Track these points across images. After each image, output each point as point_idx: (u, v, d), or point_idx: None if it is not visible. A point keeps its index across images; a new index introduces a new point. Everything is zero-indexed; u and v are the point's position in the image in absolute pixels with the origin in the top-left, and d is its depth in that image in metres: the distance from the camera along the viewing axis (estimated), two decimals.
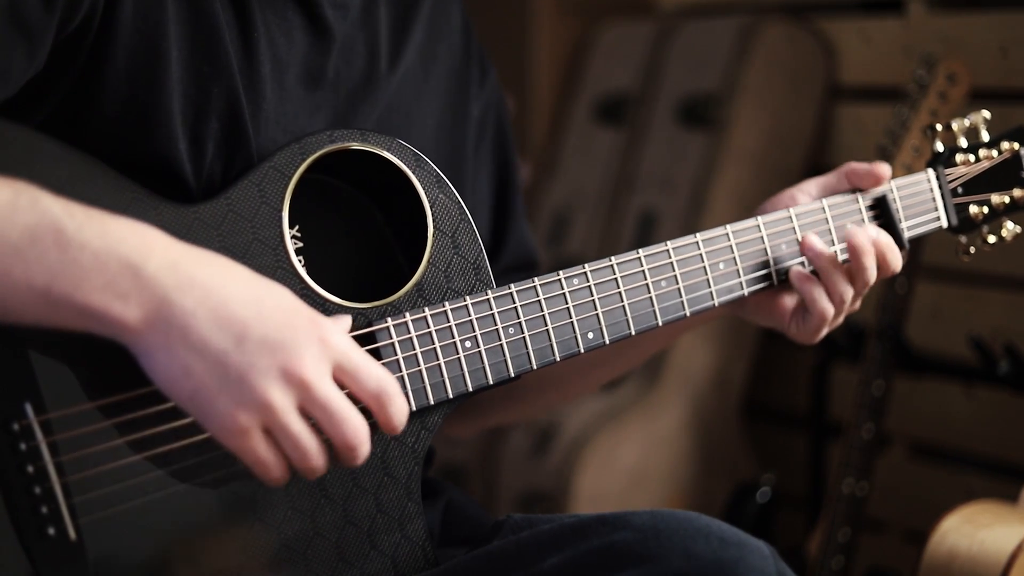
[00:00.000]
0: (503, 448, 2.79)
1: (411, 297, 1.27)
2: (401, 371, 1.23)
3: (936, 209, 1.47)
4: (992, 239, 1.49)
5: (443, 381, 1.25)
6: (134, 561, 1.16)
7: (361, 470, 1.24)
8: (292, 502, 1.22)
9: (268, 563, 1.21)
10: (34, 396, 1.11)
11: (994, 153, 1.49)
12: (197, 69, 1.23)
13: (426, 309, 1.25)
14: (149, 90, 1.20)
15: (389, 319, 1.24)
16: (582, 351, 1.30)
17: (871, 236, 1.38)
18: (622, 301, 1.32)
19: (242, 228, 1.22)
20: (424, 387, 1.24)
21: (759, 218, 1.40)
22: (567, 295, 1.30)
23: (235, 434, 1.07)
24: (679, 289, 1.35)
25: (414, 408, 1.24)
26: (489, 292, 1.27)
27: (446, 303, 1.26)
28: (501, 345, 1.27)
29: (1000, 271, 2.47)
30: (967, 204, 1.48)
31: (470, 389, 1.26)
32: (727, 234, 1.38)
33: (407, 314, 1.24)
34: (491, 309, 1.27)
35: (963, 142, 1.49)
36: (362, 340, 1.22)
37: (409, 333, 1.24)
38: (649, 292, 1.34)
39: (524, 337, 1.28)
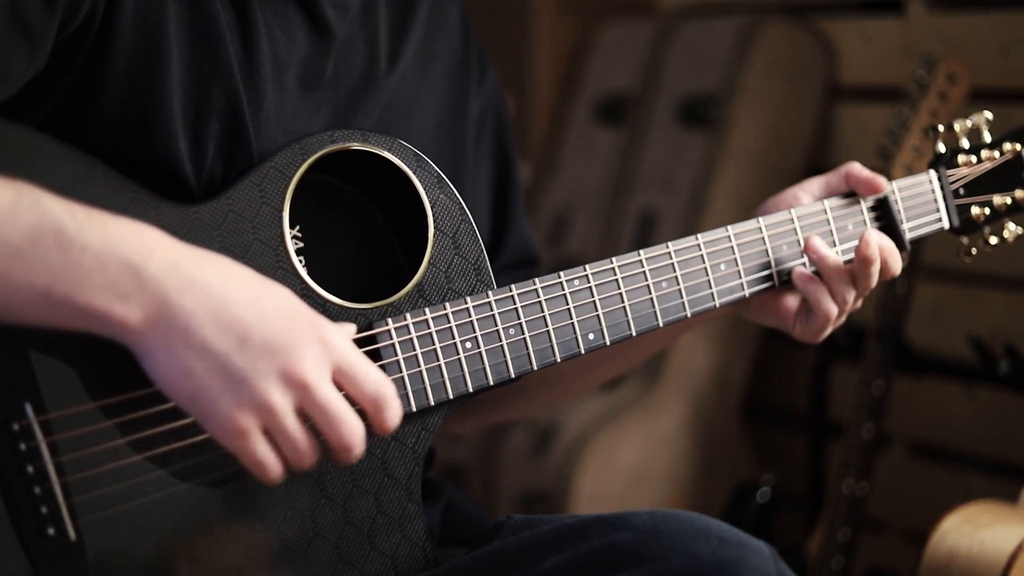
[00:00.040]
0: (503, 448, 2.79)
1: (412, 298, 1.27)
2: (401, 372, 1.23)
3: (938, 210, 1.47)
4: (994, 240, 1.49)
5: (443, 382, 1.24)
6: (134, 561, 1.16)
7: (361, 471, 1.24)
8: (292, 503, 1.22)
9: (268, 563, 1.21)
10: (34, 396, 1.11)
11: (996, 154, 1.49)
12: (198, 69, 1.23)
13: (427, 310, 1.25)
14: (149, 90, 1.20)
15: (390, 320, 1.24)
16: (583, 352, 1.30)
17: (880, 244, 1.38)
18: (623, 302, 1.32)
19: (243, 228, 1.22)
20: (424, 388, 1.24)
21: (760, 219, 1.39)
22: (568, 296, 1.30)
23: (235, 435, 1.07)
24: (680, 290, 1.35)
25: (414, 409, 1.24)
26: (490, 293, 1.27)
27: (447, 304, 1.26)
28: (502, 346, 1.27)
29: (1000, 271, 2.47)
30: (969, 205, 1.48)
31: (470, 390, 1.26)
32: (728, 235, 1.38)
33: (408, 315, 1.24)
34: (492, 310, 1.27)
35: (965, 143, 1.49)
36: (362, 341, 1.22)
37: (410, 334, 1.24)
38: (650, 293, 1.33)
39: (525, 338, 1.28)
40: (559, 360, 1.29)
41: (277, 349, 1.08)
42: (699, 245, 1.36)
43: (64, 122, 1.19)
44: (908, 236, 1.45)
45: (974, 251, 1.50)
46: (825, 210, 1.42)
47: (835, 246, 1.42)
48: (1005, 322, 2.46)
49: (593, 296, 1.31)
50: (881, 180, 1.42)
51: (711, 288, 1.37)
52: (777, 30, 2.81)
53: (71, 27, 1.16)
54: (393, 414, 1.14)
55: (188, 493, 1.18)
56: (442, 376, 1.24)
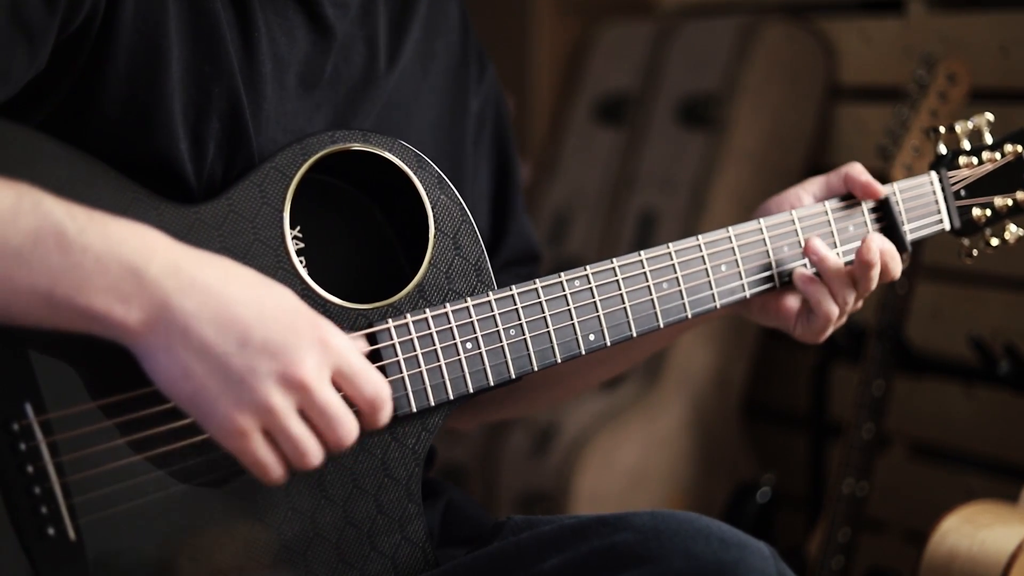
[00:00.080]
0: (503, 448, 2.79)
1: (412, 298, 1.27)
2: (402, 372, 1.23)
3: (939, 212, 1.47)
4: (995, 242, 1.49)
5: (444, 382, 1.24)
6: (133, 561, 1.16)
7: (361, 471, 1.24)
8: (292, 503, 1.21)
9: (268, 564, 1.21)
10: (34, 396, 1.11)
11: (997, 156, 1.49)
12: (198, 69, 1.23)
13: (427, 310, 1.25)
14: (150, 90, 1.20)
15: (390, 320, 1.24)
16: (583, 352, 1.30)
17: (881, 248, 1.38)
18: (623, 303, 1.32)
19: (243, 228, 1.22)
20: (425, 388, 1.24)
21: (761, 220, 1.39)
22: (568, 296, 1.30)
23: (235, 436, 1.07)
24: (681, 291, 1.35)
25: (414, 410, 1.24)
26: (490, 293, 1.27)
27: (447, 304, 1.26)
28: (502, 346, 1.27)
29: (1000, 271, 2.47)
30: (970, 207, 1.48)
31: (471, 390, 1.26)
32: (729, 236, 1.38)
33: (408, 315, 1.24)
34: (492, 310, 1.27)
35: (966, 144, 1.49)
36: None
37: (410, 334, 1.24)
38: (651, 294, 1.33)
39: (525, 338, 1.28)
40: (560, 361, 1.29)
41: (277, 350, 1.08)
42: (700, 246, 1.36)
43: (64, 122, 1.19)
44: (909, 237, 1.45)
45: (975, 253, 1.50)
46: (826, 211, 1.42)
47: (836, 247, 1.42)
48: (1005, 322, 2.46)
49: (594, 297, 1.31)
50: (877, 187, 1.42)
51: (712, 289, 1.37)
52: (777, 30, 2.81)
53: (71, 27, 1.16)
54: (386, 415, 1.15)
55: (188, 493, 1.17)
56: (442, 377, 1.24)
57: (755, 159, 2.80)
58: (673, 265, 1.35)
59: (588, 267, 1.31)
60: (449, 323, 1.25)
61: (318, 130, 1.30)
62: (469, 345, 1.26)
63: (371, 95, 1.38)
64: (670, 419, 2.74)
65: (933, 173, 1.47)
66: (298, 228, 1.27)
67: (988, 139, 1.50)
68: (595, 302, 1.31)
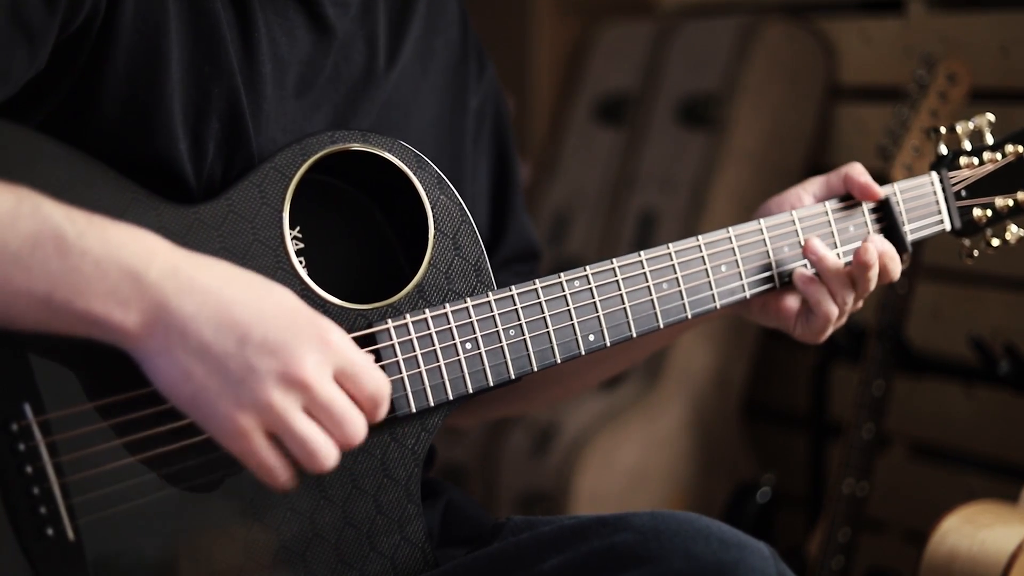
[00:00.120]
0: (503, 448, 2.79)
1: (412, 298, 1.27)
2: (401, 373, 1.23)
3: (939, 212, 1.47)
4: (996, 242, 1.49)
5: (443, 383, 1.24)
6: (133, 562, 1.16)
7: (361, 472, 1.24)
8: (291, 503, 1.21)
9: (267, 564, 1.21)
10: (33, 396, 1.11)
11: (998, 156, 1.48)
12: (198, 69, 1.23)
13: (427, 311, 1.25)
14: (150, 90, 1.20)
15: (389, 320, 1.24)
16: (583, 353, 1.30)
17: (879, 249, 1.37)
18: (623, 303, 1.32)
19: (243, 229, 1.22)
20: (424, 389, 1.24)
21: (761, 220, 1.39)
22: (568, 297, 1.30)
23: (236, 436, 1.07)
24: (681, 291, 1.35)
25: (414, 410, 1.24)
26: (490, 294, 1.27)
27: (447, 304, 1.26)
28: (502, 347, 1.27)
29: (1000, 272, 2.47)
30: (970, 207, 1.48)
31: (470, 391, 1.25)
32: (729, 236, 1.38)
33: (407, 315, 1.24)
34: (492, 311, 1.27)
35: (967, 145, 1.48)
36: (362, 341, 1.22)
37: (409, 335, 1.24)
38: (651, 294, 1.33)
39: (525, 339, 1.28)
40: (559, 361, 1.29)
41: (277, 348, 1.07)
42: (700, 246, 1.36)
43: (64, 122, 1.19)
44: (910, 238, 1.45)
45: (976, 253, 1.50)
46: (826, 211, 1.42)
47: (836, 248, 1.42)
48: (1005, 322, 2.46)
49: (593, 297, 1.31)
50: (876, 189, 1.42)
51: (712, 289, 1.36)
52: (777, 30, 2.81)
53: (72, 27, 1.16)
54: (384, 411, 1.14)
55: (187, 494, 1.17)
56: (442, 377, 1.24)
57: (755, 159, 2.80)
58: (673, 265, 1.34)
59: (588, 267, 1.31)
60: (448, 323, 1.25)
61: (318, 130, 1.30)
62: (468, 345, 1.25)
63: (371, 94, 1.38)
64: (670, 419, 2.74)
65: (934, 173, 1.47)
66: (297, 228, 1.27)
67: (989, 139, 1.50)
68: (595, 302, 1.31)
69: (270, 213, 1.23)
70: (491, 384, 1.26)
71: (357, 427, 1.11)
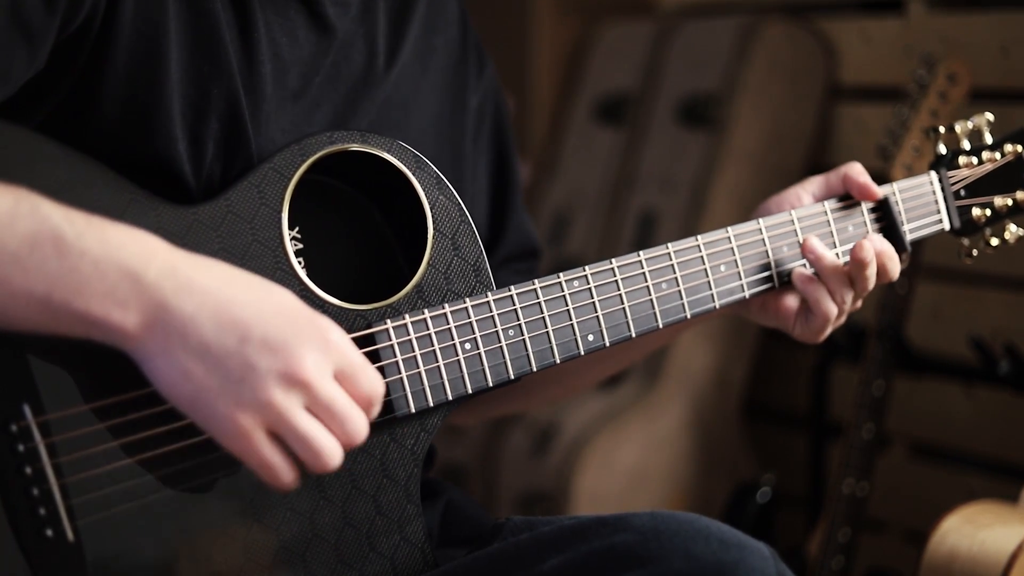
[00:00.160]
0: (503, 448, 2.79)
1: (411, 299, 1.26)
2: (400, 373, 1.23)
3: (938, 212, 1.47)
4: (995, 242, 1.49)
5: (442, 383, 1.24)
6: (132, 563, 1.16)
7: (360, 472, 1.24)
8: (290, 504, 1.21)
9: (267, 565, 1.21)
10: (32, 397, 1.11)
11: (997, 156, 1.48)
12: (197, 69, 1.23)
13: (425, 311, 1.25)
14: (149, 90, 1.20)
15: (388, 321, 1.23)
16: (582, 353, 1.30)
17: (876, 248, 1.37)
18: (622, 303, 1.32)
19: (241, 229, 1.21)
20: (423, 389, 1.24)
21: (760, 220, 1.39)
22: (567, 297, 1.30)
23: (237, 436, 1.07)
24: (680, 291, 1.35)
25: (413, 410, 1.23)
26: (489, 294, 1.27)
27: (445, 305, 1.25)
28: (501, 347, 1.27)
29: (1000, 271, 2.47)
30: (970, 207, 1.48)
31: (469, 391, 1.25)
32: (728, 236, 1.38)
33: (406, 316, 1.24)
34: (491, 311, 1.27)
35: (966, 144, 1.48)
36: (361, 342, 1.22)
37: (408, 335, 1.24)
38: (650, 294, 1.33)
39: (524, 339, 1.28)
40: (558, 361, 1.29)
41: (277, 347, 1.07)
42: (699, 246, 1.36)
43: (64, 122, 1.19)
44: (909, 237, 1.45)
45: (975, 252, 1.50)
46: (825, 211, 1.42)
47: (835, 247, 1.42)
48: (1005, 322, 2.46)
49: (593, 297, 1.31)
50: (874, 189, 1.42)
51: (711, 289, 1.36)
52: (777, 30, 2.80)
53: (71, 27, 1.16)
54: (375, 413, 1.14)
55: (187, 495, 1.17)
56: (441, 377, 1.24)
57: (755, 159, 2.80)
58: (672, 265, 1.34)
59: (587, 267, 1.31)
60: (448, 324, 1.25)
61: (317, 130, 1.30)
62: (468, 346, 1.25)
63: (371, 94, 1.38)
64: (670, 419, 2.74)
65: (933, 173, 1.47)
66: (296, 229, 1.27)
67: (988, 139, 1.50)
68: (594, 302, 1.31)
69: (269, 214, 1.23)
70: (490, 384, 1.26)
71: (359, 425, 1.10)
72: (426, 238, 1.28)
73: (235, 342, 1.06)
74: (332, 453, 1.09)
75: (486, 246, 1.44)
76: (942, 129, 1.48)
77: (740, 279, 1.38)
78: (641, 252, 1.33)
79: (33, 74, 1.15)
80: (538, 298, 1.28)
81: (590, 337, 1.30)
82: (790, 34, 2.80)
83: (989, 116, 1.51)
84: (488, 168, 1.55)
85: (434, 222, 1.29)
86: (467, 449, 2.85)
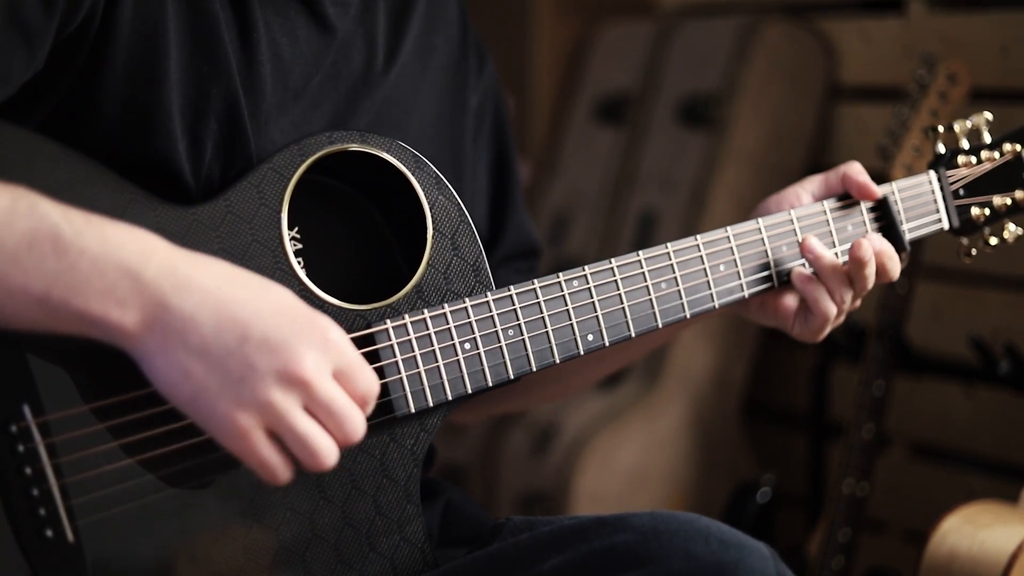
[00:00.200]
0: (503, 448, 2.79)
1: (410, 299, 1.26)
2: (400, 373, 1.23)
3: (937, 211, 1.47)
4: (994, 241, 1.49)
5: (442, 383, 1.24)
6: (132, 563, 1.16)
7: (360, 472, 1.24)
8: (290, 504, 1.21)
9: (267, 565, 1.21)
10: (32, 397, 1.11)
11: (996, 155, 1.48)
12: (196, 70, 1.23)
13: (425, 311, 1.25)
14: (148, 91, 1.20)
15: (388, 321, 1.23)
16: (582, 353, 1.30)
17: (875, 247, 1.37)
18: (622, 303, 1.32)
19: (241, 230, 1.21)
20: (423, 389, 1.24)
21: (760, 220, 1.39)
22: (567, 297, 1.30)
23: (237, 436, 1.07)
24: (679, 291, 1.35)
25: (413, 410, 1.23)
26: (488, 294, 1.27)
27: (445, 305, 1.25)
28: (500, 347, 1.27)
29: (1000, 271, 2.47)
30: (969, 206, 1.48)
31: (469, 391, 1.25)
32: (728, 236, 1.38)
33: (406, 316, 1.24)
34: (490, 311, 1.27)
35: (965, 144, 1.48)
36: (361, 342, 1.22)
37: (408, 335, 1.24)
38: (649, 294, 1.33)
39: (523, 339, 1.28)
40: (558, 361, 1.29)
41: (277, 346, 1.07)
42: (698, 246, 1.36)
43: (63, 123, 1.19)
44: (908, 237, 1.45)
45: (974, 252, 1.50)
46: (824, 211, 1.42)
47: (834, 247, 1.42)
48: (1005, 322, 2.46)
49: (592, 297, 1.31)
50: (873, 189, 1.42)
51: (710, 289, 1.36)
52: (777, 30, 2.80)
53: (70, 28, 1.16)
54: (369, 411, 1.14)
55: (187, 495, 1.17)
56: (441, 377, 1.24)
57: (755, 159, 2.80)
58: (672, 265, 1.34)
59: (586, 267, 1.31)
60: (447, 324, 1.25)
61: (317, 130, 1.30)
62: (467, 346, 1.25)
63: (370, 93, 1.38)
64: (670, 419, 2.74)
65: (932, 172, 1.47)
66: (296, 229, 1.27)
67: (987, 138, 1.50)
68: (593, 302, 1.31)
69: (268, 214, 1.23)
70: (490, 384, 1.26)
71: (357, 425, 1.10)
72: (425, 238, 1.28)
73: (235, 341, 1.06)
74: (328, 453, 1.09)
75: (486, 245, 1.44)
76: (941, 128, 1.48)
77: (739, 279, 1.38)
78: (640, 252, 1.33)
79: (32, 75, 1.15)
80: (537, 298, 1.28)
81: (589, 337, 1.30)
82: (790, 34, 2.80)
83: (988, 115, 1.51)
84: (488, 167, 1.55)
85: (433, 222, 1.29)
86: (467, 449, 2.85)
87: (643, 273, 1.33)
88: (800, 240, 1.40)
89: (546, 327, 1.28)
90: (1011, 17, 2.46)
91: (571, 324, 1.29)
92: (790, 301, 1.42)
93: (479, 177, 1.53)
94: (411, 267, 1.28)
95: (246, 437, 1.07)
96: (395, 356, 1.23)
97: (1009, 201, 1.48)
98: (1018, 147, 1.49)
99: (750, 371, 2.84)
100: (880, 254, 1.38)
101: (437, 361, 1.24)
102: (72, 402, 1.12)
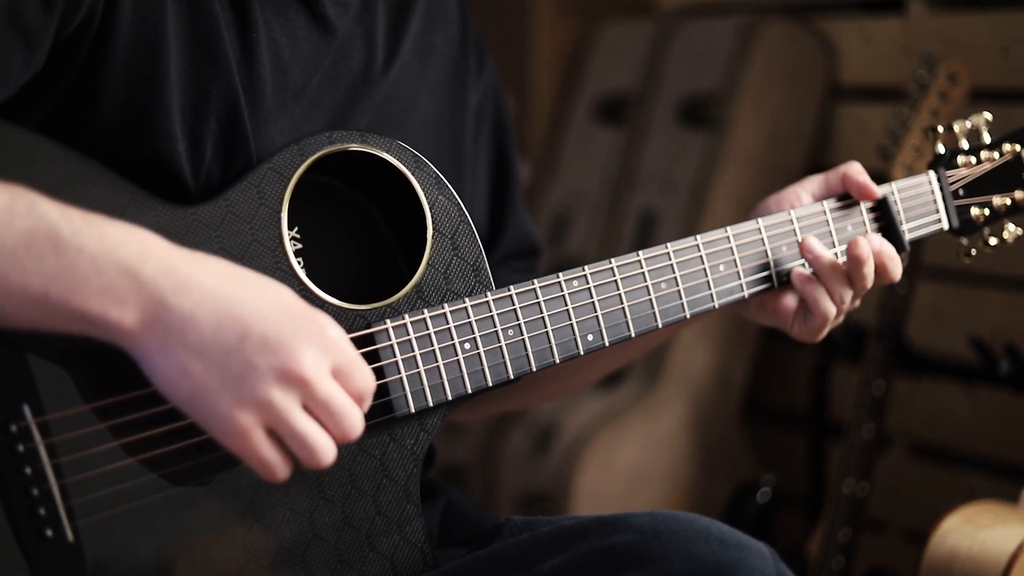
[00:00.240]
0: (503, 448, 2.79)
1: (410, 299, 1.26)
2: (400, 373, 1.23)
3: (937, 211, 1.47)
4: (993, 241, 1.49)
5: (442, 383, 1.24)
6: (132, 563, 1.16)
7: (360, 472, 1.24)
8: (290, 504, 1.21)
9: (266, 565, 1.21)
10: (32, 397, 1.11)
11: (995, 155, 1.48)
12: (196, 70, 1.23)
13: (425, 311, 1.25)
14: (148, 91, 1.20)
15: (388, 321, 1.23)
16: (582, 353, 1.30)
17: (874, 247, 1.37)
18: (622, 303, 1.32)
19: (241, 229, 1.21)
20: (423, 389, 1.24)
21: (759, 220, 1.39)
22: (567, 297, 1.30)
23: (236, 435, 1.07)
24: (679, 291, 1.35)
25: (412, 410, 1.23)
26: (488, 294, 1.27)
27: (445, 305, 1.25)
28: (500, 347, 1.27)
29: (1000, 271, 2.47)
30: (968, 206, 1.48)
31: (469, 391, 1.25)
32: (727, 236, 1.38)
33: (406, 316, 1.24)
34: (490, 311, 1.27)
35: (964, 144, 1.48)
36: (361, 342, 1.22)
37: (408, 335, 1.24)
38: (649, 294, 1.33)
39: (523, 339, 1.28)
40: (558, 361, 1.29)
41: (277, 345, 1.07)
42: (698, 246, 1.36)
43: (63, 123, 1.19)
44: (908, 237, 1.45)
45: (974, 252, 1.50)
46: (824, 211, 1.42)
47: (834, 247, 1.42)
48: (1005, 322, 2.46)
49: (592, 297, 1.31)
50: (873, 189, 1.42)
51: (710, 289, 1.36)
52: (777, 30, 2.80)
53: (69, 28, 1.16)
54: (365, 409, 1.14)
55: (187, 495, 1.17)
56: (440, 377, 1.24)
57: (755, 159, 2.80)
58: (671, 265, 1.34)
59: (586, 267, 1.31)
60: (447, 324, 1.25)
61: (317, 130, 1.30)
62: (467, 346, 1.25)
63: (370, 93, 1.38)
64: (670, 419, 2.74)
65: (931, 172, 1.47)
66: (296, 229, 1.27)
67: (986, 138, 1.50)
68: (593, 302, 1.31)
69: (268, 214, 1.23)
70: (490, 384, 1.26)
71: (355, 422, 1.10)
72: (425, 238, 1.28)
73: (234, 340, 1.06)
74: (327, 451, 1.09)
75: (486, 244, 1.44)
76: (940, 129, 1.48)
77: (739, 279, 1.38)
78: (640, 252, 1.33)
79: (31, 75, 1.15)
80: (537, 298, 1.28)
81: (589, 337, 1.30)
82: (790, 34, 2.80)
83: (987, 115, 1.51)
84: (488, 166, 1.55)
85: (433, 222, 1.29)
86: (467, 449, 2.85)
87: (643, 273, 1.33)
88: (800, 240, 1.40)
89: (546, 327, 1.28)
90: (1011, 17, 2.46)
91: (571, 324, 1.29)
92: (790, 301, 1.42)
93: (479, 177, 1.53)
94: (411, 267, 1.28)
95: (246, 436, 1.07)
96: (395, 356, 1.23)
97: (1009, 201, 1.48)
98: (1018, 147, 1.49)
99: (750, 371, 2.84)
100: (880, 254, 1.38)
101: (437, 361, 1.24)
102: (72, 402, 1.12)
